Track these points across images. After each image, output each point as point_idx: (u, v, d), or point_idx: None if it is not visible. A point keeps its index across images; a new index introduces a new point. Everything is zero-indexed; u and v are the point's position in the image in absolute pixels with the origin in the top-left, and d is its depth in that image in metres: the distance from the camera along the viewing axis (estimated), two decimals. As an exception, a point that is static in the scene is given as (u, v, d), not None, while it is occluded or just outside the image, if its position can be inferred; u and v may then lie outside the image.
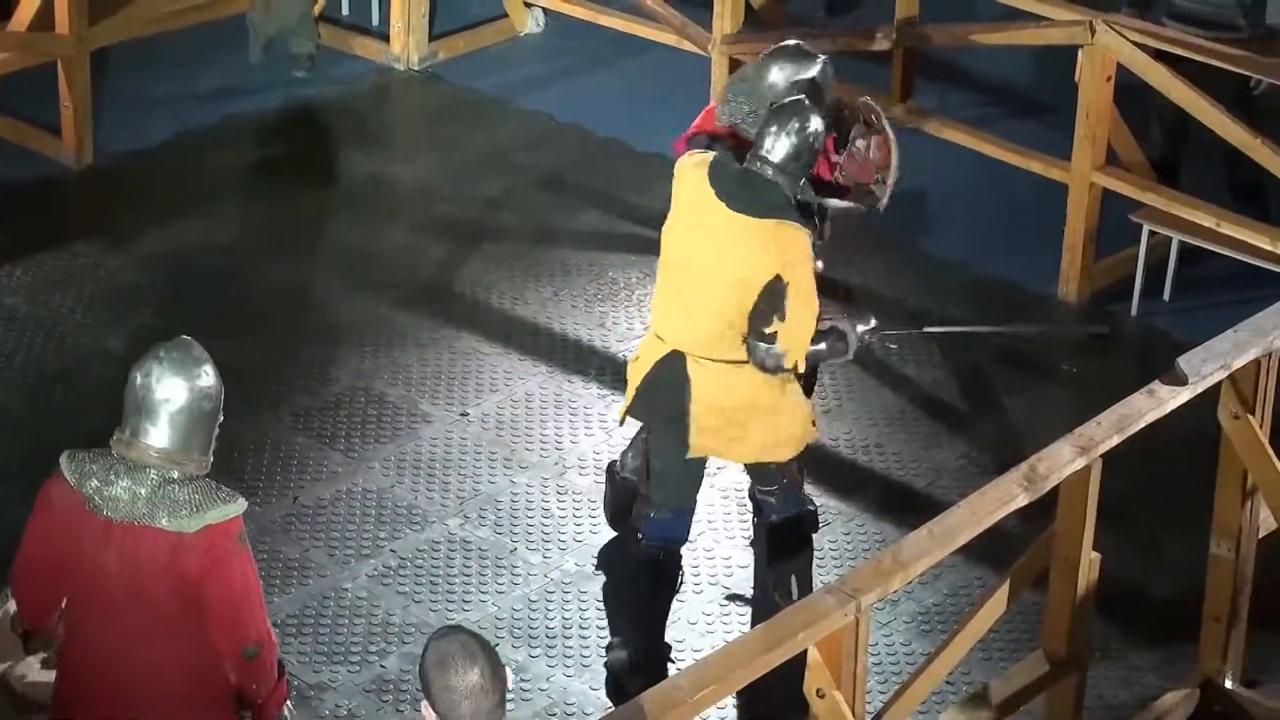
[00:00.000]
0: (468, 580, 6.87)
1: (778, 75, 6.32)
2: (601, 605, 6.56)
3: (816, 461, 7.46)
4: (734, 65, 9.40)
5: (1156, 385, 5.65)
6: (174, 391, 4.80)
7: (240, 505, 4.80)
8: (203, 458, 4.84)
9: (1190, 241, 8.34)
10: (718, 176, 5.96)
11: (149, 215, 8.99)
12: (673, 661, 6.38)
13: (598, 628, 6.64)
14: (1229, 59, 8.06)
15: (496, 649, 6.20)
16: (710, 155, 6.06)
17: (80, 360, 7.96)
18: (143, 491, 4.73)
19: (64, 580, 4.83)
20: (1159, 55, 8.17)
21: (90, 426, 7.56)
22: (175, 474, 4.76)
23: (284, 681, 4.95)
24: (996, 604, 5.56)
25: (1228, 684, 6.33)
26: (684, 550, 6.38)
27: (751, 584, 6.68)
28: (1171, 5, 8.53)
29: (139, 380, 4.82)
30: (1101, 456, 5.48)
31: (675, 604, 6.51)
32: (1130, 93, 8.52)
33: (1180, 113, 8.25)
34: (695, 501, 6.29)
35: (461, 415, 7.74)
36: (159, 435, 4.77)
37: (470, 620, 6.67)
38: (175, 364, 4.82)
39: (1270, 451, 5.95)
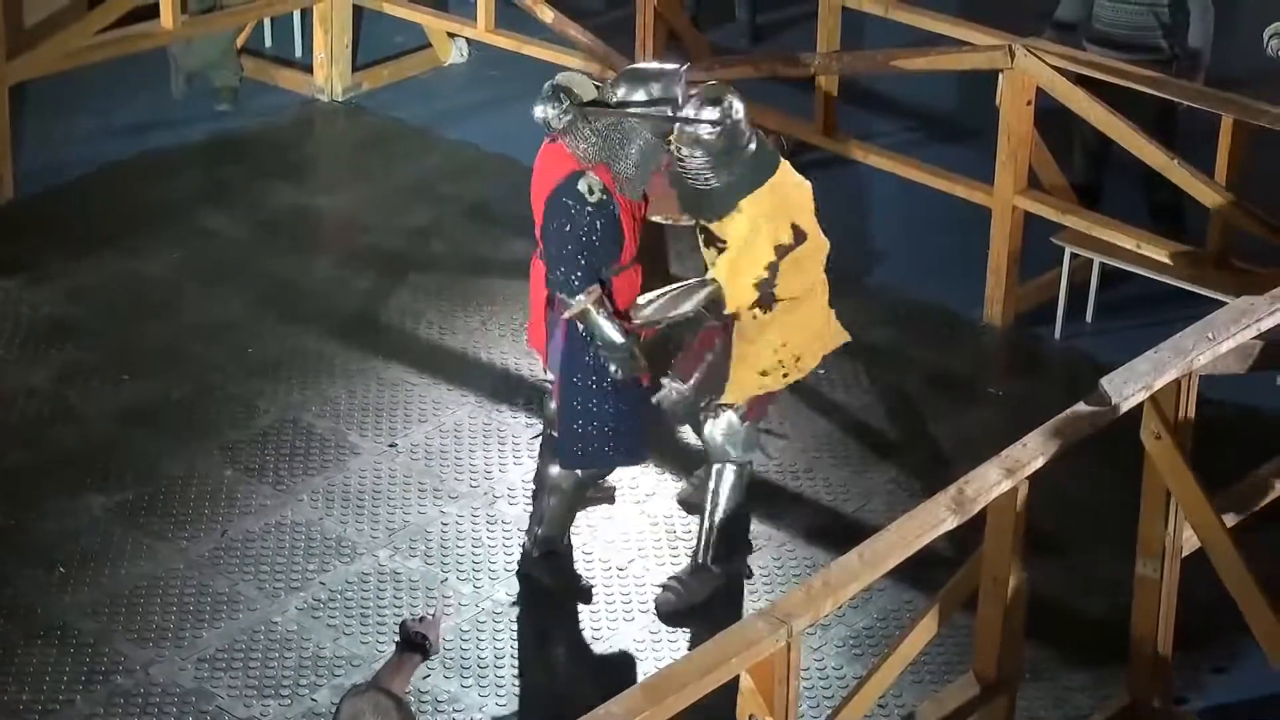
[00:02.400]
0: (398, 612, 6.84)
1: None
2: (528, 633, 6.58)
3: (747, 486, 7.49)
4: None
5: (1080, 406, 5.70)
6: None
7: None
8: None
9: (1111, 263, 8.42)
10: None
11: (71, 250, 8.93)
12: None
13: (530, 657, 6.63)
14: (1145, 82, 8.14)
15: (427, 680, 6.19)
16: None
17: (4, 397, 7.90)
18: None
19: None
20: (1079, 79, 8.25)
21: (14, 463, 7.55)
22: None
23: None
24: (927, 627, 5.59)
25: (1156, 703, 6.38)
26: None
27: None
28: (1091, 29, 8.63)
29: None
30: (1028, 478, 5.52)
31: (607, 630, 6.52)
32: (1051, 116, 8.60)
33: (1102, 136, 8.33)
34: None
35: (390, 446, 7.73)
36: None
37: (401, 652, 6.65)
38: None
39: (1190, 471, 6.00)
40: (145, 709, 6.39)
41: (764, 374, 6.69)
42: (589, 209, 6.42)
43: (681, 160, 6.49)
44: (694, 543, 6.89)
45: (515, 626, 6.77)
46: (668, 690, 4.75)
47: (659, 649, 6.71)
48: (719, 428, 6.77)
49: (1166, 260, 8.17)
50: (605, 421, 6.62)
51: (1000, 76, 8.36)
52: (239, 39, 10.37)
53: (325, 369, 8.18)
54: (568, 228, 6.44)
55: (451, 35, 10.71)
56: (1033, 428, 5.64)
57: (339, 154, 10.19)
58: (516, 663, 6.64)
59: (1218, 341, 5.96)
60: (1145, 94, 8.19)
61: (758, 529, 7.23)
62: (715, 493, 6.80)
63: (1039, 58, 8.21)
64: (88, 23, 9.58)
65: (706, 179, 6.47)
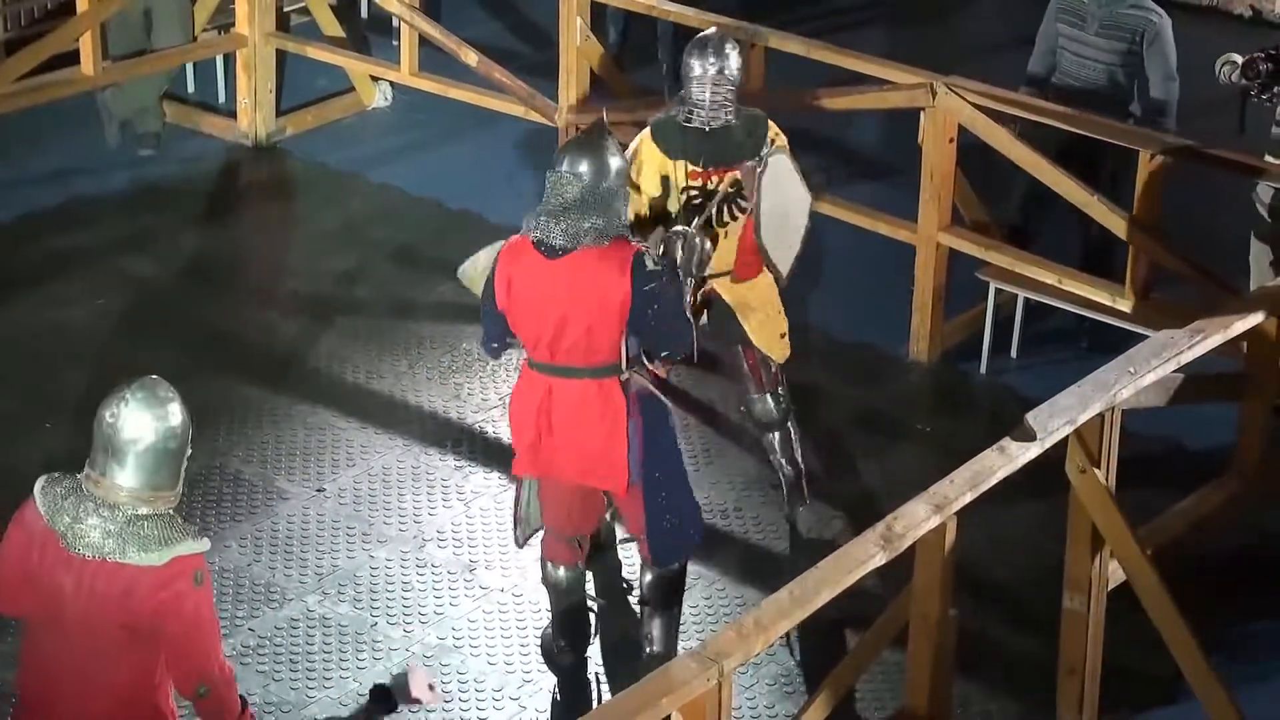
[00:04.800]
0: (328, 657, 6.81)
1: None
2: (459, 676, 6.56)
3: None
4: (583, 135, 9.46)
5: (1007, 442, 5.74)
6: (141, 431, 4.88)
7: (204, 544, 4.91)
8: (170, 493, 4.91)
9: (1034, 298, 8.48)
10: None
11: (-6, 298, 8.87)
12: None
13: (459, 700, 6.61)
14: (1061, 118, 8.20)
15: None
16: None
17: (-74, 446, 7.83)
18: (113, 528, 4.83)
19: (24, 593, 4.95)
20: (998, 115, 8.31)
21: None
22: (144, 510, 4.85)
23: (248, 716, 5.04)
24: (858, 663, 5.61)
25: (1085, 735, 6.42)
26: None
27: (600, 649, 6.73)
28: (1054, 84, 8.65)
29: (106, 420, 4.93)
30: (956, 514, 5.55)
31: (538, 673, 6.52)
32: (975, 152, 8.66)
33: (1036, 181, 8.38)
34: None
35: (318, 491, 7.70)
36: (127, 475, 4.87)
37: (330, 697, 6.62)
38: (142, 403, 4.92)
39: (1115, 504, 6.05)
40: (73, 760, 6.32)
41: (783, 335, 7.37)
42: (665, 274, 6.23)
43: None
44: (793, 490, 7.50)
45: (444, 670, 6.75)
46: (599, 732, 4.75)
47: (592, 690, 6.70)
48: (774, 398, 7.43)
49: (1089, 295, 8.24)
50: (683, 506, 6.55)
51: (922, 114, 8.42)
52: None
53: (252, 414, 8.14)
54: (672, 297, 6.28)
55: (375, 79, 10.71)
56: (960, 464, 5.67)
57: (263, 199, 10.16)
58: (447, 708, 6.61)
59: (1140, 375, 6.02)
60: (1085, 145, 8.26)
61: (689, 568, 7.22)
62: (794, 443, 7.49)
63: (960, 95, 8.28)
64: (6, 70, 9.53)
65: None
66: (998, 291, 8.56)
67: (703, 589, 7.18)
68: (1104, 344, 8.28)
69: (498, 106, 9.93)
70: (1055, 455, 5.98)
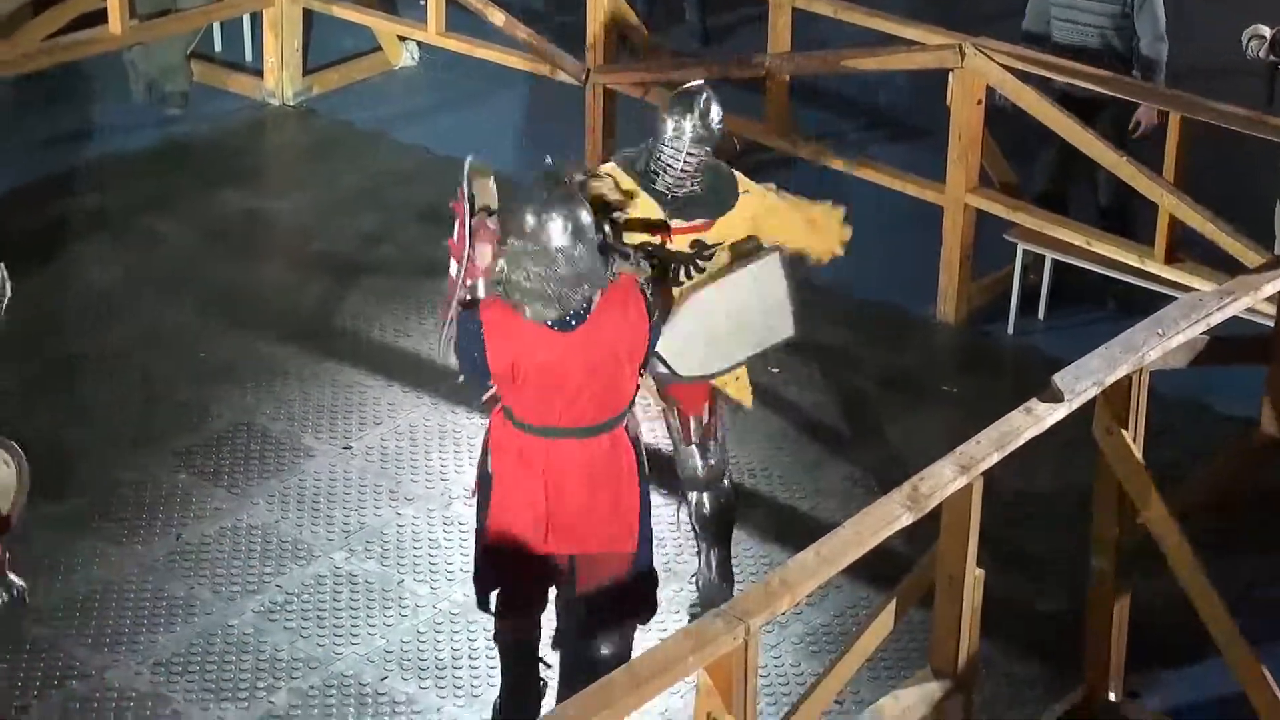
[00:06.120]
0: (355, 614, 6.84)
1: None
2: (486, 634, 6.58)
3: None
4: (607, 95, 9.45)
5: (1034, 403, 5.72)
6: None
7: None
8: None
9: (1062, 259, 8.46)
10: None
11: (20, 256, 8.85)
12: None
13: (487, 658, 6.63)
14: (1094, 80, 8.18)
15: (385, 681, 6.19)
16: None
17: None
18: None
19: None
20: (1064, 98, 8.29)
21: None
22: None
23: None
24: (884, 623, 5.61)
25: (1111, 696, 6.42)
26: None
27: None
28: (1049, 44, 8.61)
29: None
30: (983, 474, 5.54)
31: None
32: (1003, 114, 8.63)
33: (1067, 150, 8.36)
34: None
35: (345, 449, 7.71)
36: None
37: (357, 654, 6.65)
38: None
39: (1143, 465, 6.04)
40: (101, 714, 6.36)
41: (738, 379, 6.66)
42: (657, 293, 5.91)
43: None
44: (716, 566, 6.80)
45: (472, 628, 6.77)
46: (624, 690, 4.75)
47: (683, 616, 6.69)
48: (715, 452, 6.68)
49: (1117, 256, 8.22)
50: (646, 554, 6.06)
51: (950, 75, 8.39)
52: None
53: (279, 373, 8.16)
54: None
55: (402, 38, 10.70)
56: (986, 424, 5.66)
57: (289, 158, 10.17)
58: (474, 664, 6.64)
59: (1168, 337, 5.99)
60: (1100, 110, 8.23)
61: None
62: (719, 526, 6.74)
63: (988, 56, 8.25)
64: (34, 28, 9.53)
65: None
66: (1025, 252, 8.54)
67: (728, 548, 7.18)
68: (1132, 305, 8.29)
69: (524, 66, 9.92)
70: (1082, 416, 5.97)
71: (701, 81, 6.50)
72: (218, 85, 10.50)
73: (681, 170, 6.31)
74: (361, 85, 10.65)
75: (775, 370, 8.22)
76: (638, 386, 5.86)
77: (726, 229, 6.43)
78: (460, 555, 7.13)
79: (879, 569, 6.12)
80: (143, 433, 7.73)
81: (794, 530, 7.15)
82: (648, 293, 5.76)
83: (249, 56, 10.72)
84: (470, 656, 6.66)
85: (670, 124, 6.30)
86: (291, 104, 10.37)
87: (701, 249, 6.37)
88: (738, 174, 6.51)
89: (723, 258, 6.44)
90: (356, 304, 8.68)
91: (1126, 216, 8.60)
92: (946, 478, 5.45)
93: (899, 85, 10.29)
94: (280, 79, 10.35)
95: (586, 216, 5.64)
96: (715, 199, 6.39)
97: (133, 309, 8.58)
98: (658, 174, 6.33)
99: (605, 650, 6.02)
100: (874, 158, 9.11)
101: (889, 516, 5.31)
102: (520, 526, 5.84)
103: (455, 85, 10.57)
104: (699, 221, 6.36)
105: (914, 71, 9.19)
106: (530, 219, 5.60)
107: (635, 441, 5.90)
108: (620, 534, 5.88)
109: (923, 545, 5.80)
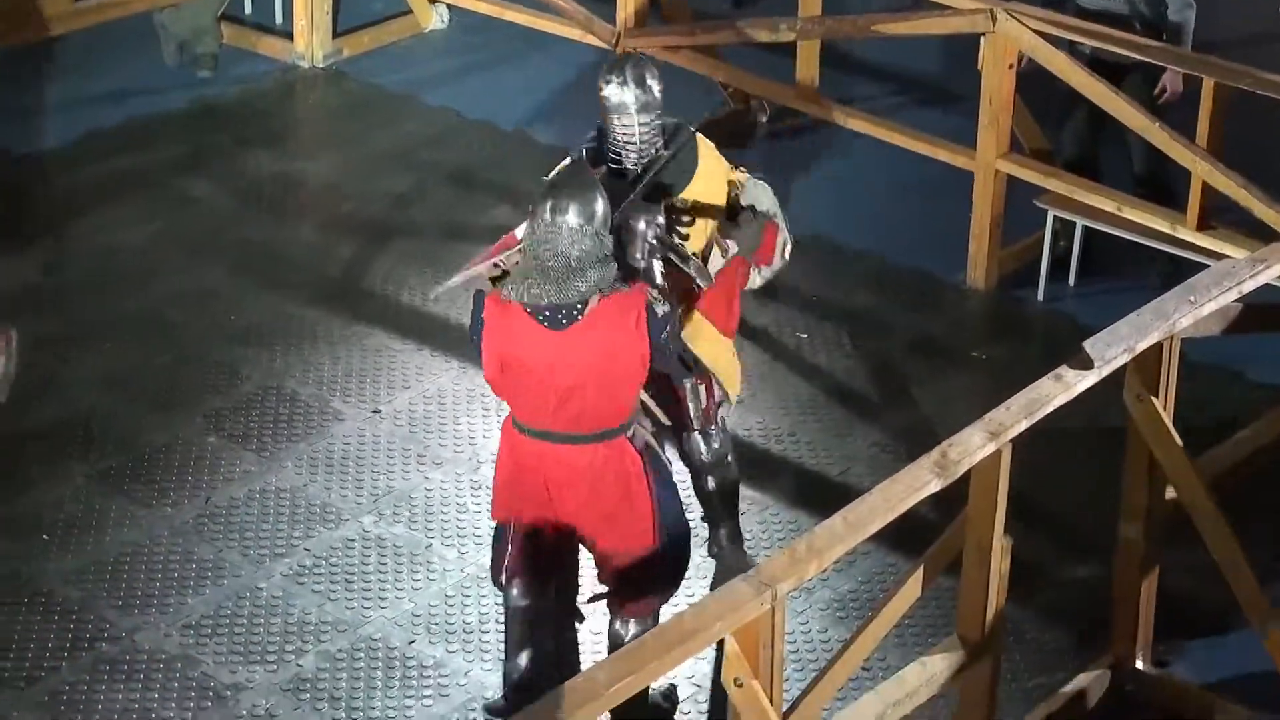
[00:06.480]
0: (383, 577, 6.85)
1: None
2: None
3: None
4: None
5: (1064, 370, 5.70)
6: None
7: None
8: None
9: (1093, 225, 8.43)
10: None
11: (52, 218, 8.91)
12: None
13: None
14: (1127, 45, 8.14)
15: (413, 645, 6.21)
16: None
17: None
18: None
19: None
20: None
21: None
22: None
23: None
24: (911, 590, 5.60)
25: (1139, 665, 6.41)
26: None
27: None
28: (1076, 9, 8.56)
29: None
30: (1011, 441, 5.53)
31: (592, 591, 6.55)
32: (1033, 80, 8.59)
33: (1095, 114, 8.31)
34: None
35: (374, 412, 7.72)
36: None
37: (386, 617, 6.66)
38: None
39: (1174, 433, 6.02)
40: (130, 676, 6.39)
41: (732, 360, 6.54)
42: (671, 314, 5.81)
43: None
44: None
45: (499, 591, 6.77)
46: (652, 655, 4.76)
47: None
48: (704, 437, 6.62)
49: (1148, 223, 8.19)
50: (679, 560, 6.03)
51: (982, 40, 8.35)
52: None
53: (308, 335, 8.17)
54: (676, 334, 5.87)
55: (432, 1, 10.68)
56: (1015, 391, 5.65)
57: (319, 121, 10.17)
58: (501, 628, 6.64)
59: (1200, 304, 5.96)
60: (1131, 78, 8.20)
61: (741, 493, 7.24)
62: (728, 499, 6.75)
63: (1020, 21, 8.21)
64: (67, -10, 9.54)
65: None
66: (1056, 218, 8.51)
67: (755, 514, 7.18)
68: (1163, 272, 8.26)
69: (554, 29, 9.90)
70: (1112, 383, 5.94)
71: (628, 51, 6.33)
72: (247, 47, 10.49)
73: (642, 142, 6.19)
74: (392, 48, 10.63)
75: (804, 336, 8.21)
76: (640, 402, 5.77)
77: (703, 189, 6.31)
78: (488, 519, 7.12)
79: (907, 535, 6.12)
80: (172, 395, 7.75)
81: (822, 496, 7.14)
82: (657, 310, 5.64)
83: (279, 19, 10.71)
84: (498, 620, 6.67)
85: (612, 101, 6.19)
86: (321, 67, 10.36)
87: (679, 212, 6.25)
88: (699, 136, 6.36)
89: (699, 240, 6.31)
90: (386, 267, 8.68)
91: (1161, 184, 8.55)
92: (975, 444, 5.44)
93: (930, 50, 10.24)
94: (310, 42, 10.34)
95: (601, 207, 5.58)
96: (682, 164, 6.27)
97: (163, 270, 8.59)
98: (619, 153, 6.23)
99: (633, 628, 6.01)
100: (905, 123, 9.07)
101: (917, 483, 5.31)
102: (527, 515, 5.85)
103: (485, 48, 10.55)
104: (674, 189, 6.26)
105: (945, 36, 9.14)
106: (544, 199, 5.60)
107: (645, 450, 5.81)
108: (634, 533, 5.82)
109: (950, 512, 5.79)
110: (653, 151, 6.22)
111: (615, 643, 6.02)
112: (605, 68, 6.29)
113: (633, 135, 6.19)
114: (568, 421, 5.66)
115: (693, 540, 6.21)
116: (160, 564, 6.88)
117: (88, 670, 6.42)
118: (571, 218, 5.53)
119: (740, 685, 4.92)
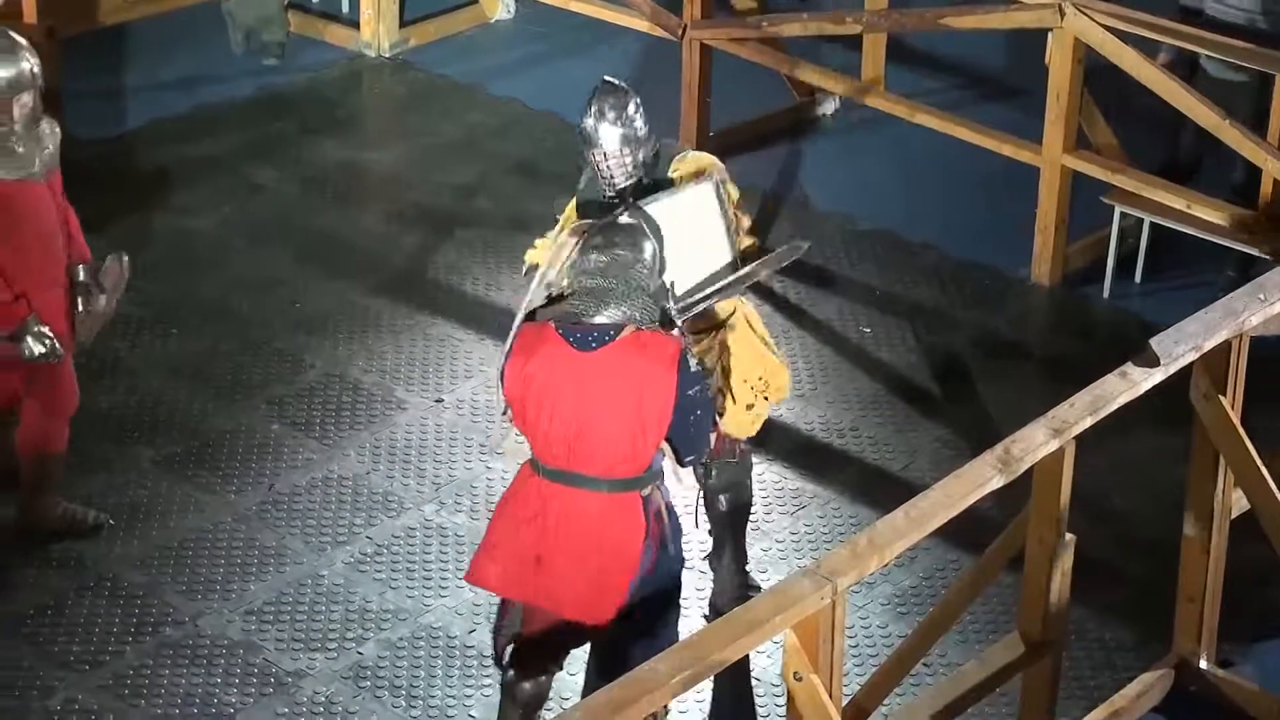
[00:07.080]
0: (444, 566, 6.87)
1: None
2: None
3: (792, 444, 7.49)
4: (704, 51, 9.41)
5: (1129, 367, 5.67)
6: None
7: None
8: None
9: (1161, 223, 8.37)
10: None
11: (120, 205, 8.96)
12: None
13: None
14: (1193, 40, 8.08)
15: (473, 634, 6.19)
16: None
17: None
18: None
19: None
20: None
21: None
22: None
23: None
24: (972, 586, 5.59)
25: (1202, 664, 6.36)
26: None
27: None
28: (1205, 16, 8.48)
29: None
30: (1075, 438, 5.50)
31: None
32: (1102, 75, 8.54)
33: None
34: None
35: (436, 401, 7.74)
36: None
37: (446, 606, 6.68)
38: None
39: (1241, 432, 5.97)
40: (194, 660, 6.43)
41: (750, 406, 6.30)
42: (707, 375, 5.73)
43: None
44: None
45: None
46: (712, 648, 4.75)
47: (704, 607, 6.71)
48: (729, 471, 6.42)
49: (1217, 220, 8.13)
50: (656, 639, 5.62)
51: (1049, 35, 8.31)
52: (285, -5, 10.40)
53: (372, 324, 8.20)
54: (710, 398, 5.65)
55: (498, -9, 10.71)
56: (1080, 388, 5.62)
57: (385, 110, 10.20)
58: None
59: (1270, 303, 5.92)
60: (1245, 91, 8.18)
61: (803, 486, 7.24)
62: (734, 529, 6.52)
63: (1089, 16, 8.16)
64: (136, -23, 9.61)
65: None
66: (1123, 215, 8.46)
67: (817, 508, 7.17)
68: (1232, 271, 8.20)
69: (620, 20, 9.90)
70: (1179, 381, 5.91)
71: (610, 80, 6.36)
72: (314, 36, 10.53)
73: (624, 175, 6.15)
74: (458, 38, 10.65)
75: (867, 330, 8.19)
76: (654, 462, 5.52)
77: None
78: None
79: (968, 531, 6.10)
80: (237, 382, 7.79)
81: (884, 491, 7.12)
82: (691, 363, 5.43)
83: (346, 8, 10.75)
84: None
85: (598, 133, 6.19)
86: (388, 56, 10.39)
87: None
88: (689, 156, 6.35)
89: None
90: (450, 256, 8.70)
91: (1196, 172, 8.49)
92: (1039, 441, 5.42)
93: (995, 44, 10.19)
94: (377, 31, 10.37)
95: (650, 247, 5.50)
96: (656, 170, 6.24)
97: (230, 257, 8.64)
98: (604, 186, 6.19)
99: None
100: (970, 117, 9.03)
101: (980, 479, 5.28)
102: (506, 572, 5.58)
103: (551, 39, 10.56)
104: None
105: (1012, 30, 9.10)
106: (599, 230, 5.57)
107: (659, 513, 5.56)
108: (597, 607, 5.52)
109: (1013, 508, 5.77)
110: (636, 180, 6.15)
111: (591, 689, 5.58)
112: (587, 100, 6.25)
113: (618, 170, 6.15)
114: (584, 459, 5.44)
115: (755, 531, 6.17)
116: (223, 550, 6.92)
117: (151, 654, 6.46)
118: (609, 250, 5.47)
119: (800, 680, 4.91)
